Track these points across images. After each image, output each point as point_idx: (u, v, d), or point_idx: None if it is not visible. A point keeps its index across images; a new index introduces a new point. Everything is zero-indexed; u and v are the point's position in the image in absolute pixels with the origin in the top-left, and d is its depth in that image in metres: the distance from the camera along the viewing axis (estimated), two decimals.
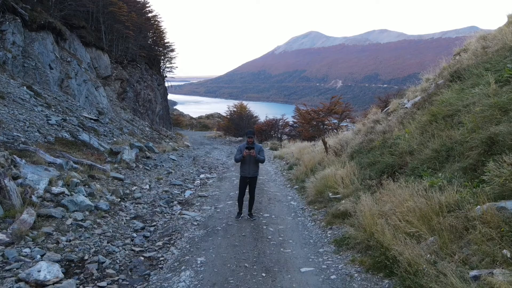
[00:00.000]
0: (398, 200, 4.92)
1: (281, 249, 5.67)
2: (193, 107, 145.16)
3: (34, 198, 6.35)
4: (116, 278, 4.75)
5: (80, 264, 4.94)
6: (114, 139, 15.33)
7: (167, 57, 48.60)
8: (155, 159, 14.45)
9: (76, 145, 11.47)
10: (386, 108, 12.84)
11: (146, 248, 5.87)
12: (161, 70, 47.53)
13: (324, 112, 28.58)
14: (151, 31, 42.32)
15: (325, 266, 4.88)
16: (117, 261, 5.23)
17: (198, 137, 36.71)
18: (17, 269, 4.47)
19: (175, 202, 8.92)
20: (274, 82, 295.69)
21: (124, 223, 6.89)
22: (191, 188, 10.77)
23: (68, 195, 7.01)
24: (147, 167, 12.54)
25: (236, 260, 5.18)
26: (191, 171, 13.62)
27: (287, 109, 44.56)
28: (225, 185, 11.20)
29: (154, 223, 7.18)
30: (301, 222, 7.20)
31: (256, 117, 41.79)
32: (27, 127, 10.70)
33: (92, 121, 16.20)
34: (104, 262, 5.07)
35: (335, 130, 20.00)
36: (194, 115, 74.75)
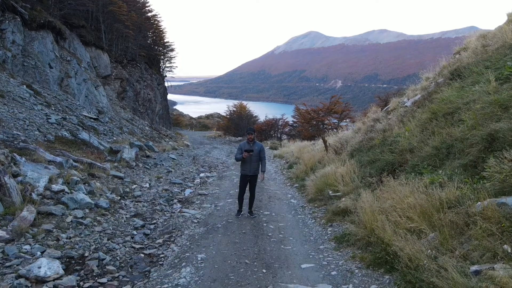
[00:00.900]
0: (399, 196, 4.93)
1: (282, 246, 5.67)
2: (192, 107, 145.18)
3: (34, 196, 6.35)
4: (117, 274, 4.75)
5: (81, 261, 4.94)
6: (114, 138, 15.33)
7: (167, 57, 48.62)
8: (155, 158, 14.44)
9: (76, 144, 11.46)
10: (386, 107, 12.85)
11: (146, 246, 5.87)
12: (161, 70, 47.55)
13: (324, 112, 28.56)
14: (150, 31, 42.33)
15: (326, 263, 4.88)
16: (118, 258, 5.23)
17: (197, 136, 36.71)
18: (17, 265, 4.47)
19: (175, 201, 8.92)
20: (274, 82, 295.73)
21: (124, 221, 6.88)
22: (191, 186, 10.77)
23: (68, 193, 7.00)
24: (147, 166, 12.53)
25: (236, 257, 5.18)
26: (191, 170, 13.61)
27: (287, 109, 44.56)
28: (225, 184, 11.20)
29: (154, 221, 7.18)
30: (301, 220, 7.21)
31: (255, 117, 41.82)
32: (27, 125, 10.69)
33: (92, 120, 16.19)
34: (104, 259, 5.07)
35: (334, 130, 20.01)
36: (194, 115, 74.77)
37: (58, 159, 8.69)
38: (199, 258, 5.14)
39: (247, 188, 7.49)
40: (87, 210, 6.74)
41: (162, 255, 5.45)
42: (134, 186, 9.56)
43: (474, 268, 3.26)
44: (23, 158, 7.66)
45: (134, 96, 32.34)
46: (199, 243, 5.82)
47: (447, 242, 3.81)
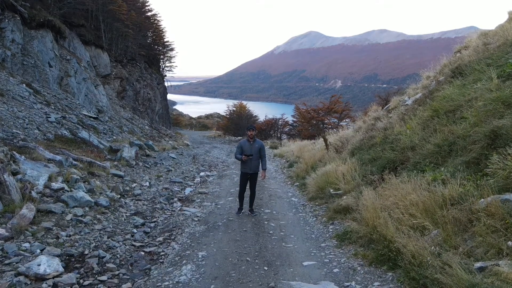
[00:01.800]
0: (401, 194, 4.89)
1: (283, 243, 5.63)
2: (192, 107, 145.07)
3: (33, 194, 6.31)
4: (117, 272, 4.71)
5: (80, 259, 4.90)
6: (114, 137, 15.28)
7: (167, 56, 48.54)
8: (155, 157, 14.41)
9: (75, 143, 11.42)
10: (387, 106, 12.82)
11: (147, 243, 5.83)
12: (161, 69, 47.48)
13: (324, 111, 28.54)
14: (150, 30, 42.26)
15: (328, 260, 4.85)
16: (118, 256, 5.19)
17: (197, 136, 36.65)
18: (16, 263, 4.44)
19: (175, 199, 8.88)
20: (274, 82, 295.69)
21: (124, 219, 6.85)
22: (191, 185, 10.73)
23: (68, 191, 6.97)
24: (147, 165, 12.49)
25: (237, 254, 5.14)
26: (191, 169, 13.58)
27: (287, 109, 44.55)
28: (225, 182, 11.16)
29: (155, 219, 7.14)
30: (303, 218, 7.17)
31: (255, 116, 41.76)
32: (27, 124, 10.65)
33: (92, 119, 16.15)
34: (104, 257, 5.03)
35: (335, 130, 19.97)
36: (194, 115, 74.71)
37: (58, 157, 8.65)
38: (200, 256, 5.10)
39: (248, 186, 7.45)
40: (87, 208, 6.70)
41: (162, 253, 5.41)
42: (134, 184, 9.53)
43: (478, 264, 3.23)
44: (23, 157, 7.62)
45: (134, 95, 32.28)
46: (199, 241, 5.78)
47: (450, 239, 3.77)
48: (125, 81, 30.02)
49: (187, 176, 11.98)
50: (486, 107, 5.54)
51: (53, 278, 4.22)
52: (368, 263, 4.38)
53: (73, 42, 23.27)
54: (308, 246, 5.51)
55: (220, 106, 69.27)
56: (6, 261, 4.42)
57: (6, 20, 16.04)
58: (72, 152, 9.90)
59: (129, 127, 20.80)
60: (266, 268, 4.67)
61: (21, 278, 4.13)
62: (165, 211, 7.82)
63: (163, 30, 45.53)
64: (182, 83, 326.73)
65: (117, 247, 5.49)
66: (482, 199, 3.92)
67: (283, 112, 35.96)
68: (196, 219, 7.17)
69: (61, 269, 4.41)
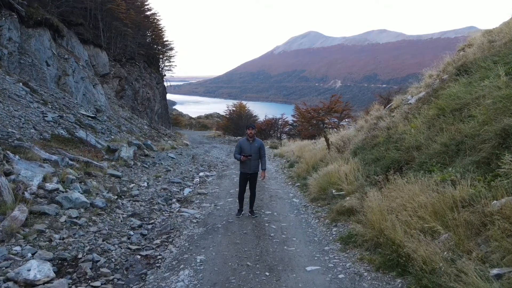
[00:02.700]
0: (408, 195, 4.68)
1: (285, 247, 5.42)
2: (192, 107, 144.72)
3: (26, 195, 6.10)
4: (111, 277, 4.50)
5: (73, 263, 4.70)
6: (112, 137, 15.07)
7: (166, 56, 48.23)
8: (153, 157, 14.19)
9: (72, 142, 11.21)
10: (389, 105, 12.62)
11: (143, 246, 5.62)
12: (160, 69, 47.18)
13: (324, 111, 28.34)
14: (150, 29, 41.97)
15: (332, 265, 4.63)
16: (113, 259, 4.99)
17: (197, 136, 36.40)
18: (6, 268, 4.23)
19: (174, 200, 8.67)
20: (273, 82, 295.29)
21: (121, 221, 6.63)
22: (190, 186, 10.53)
23: (62, 192, 6.76)
24: (145, 165, 12.28)
25: (237, 259, 4.93)
26: (190, 169, 13.36)
27: (286, 109, 44.33)
28: (225, 183, 10.95)
29: (152, 221, 6.94)
30: (305, 220, 6.96)
31: (255, 116, 41.52)
32: (23, 123, 10.44)
33: (90, 118, 15.93)
34: (98, 261, 4.83)
35: (335, 129, 19.77)
36: (193, 115, 74.43)
37: (54, 157, 8.45)
38: (198, 260, 4.89)
39: (248, 187, 7.25)
40: (82, 210, 6.49)
41: (159, 257, 5.21)
42: (132, 185, 9.32)
43: (495, 271, 3.02)
44: (17, 156, 7.41)
45: (133, 95, 32.04)
46: (198, 244, 5.57)
47: (463, 244, 3.57)
48: (124, 81, 29.79)
49: (186, 177, 11.77)
50: (496, 105, 5.34)
51: (44, 284, 4.01)
52: (375, 268, 4.17)
53: (71, 41, 23.04)
54: (311, 249, 5.30)
55: (220, 106, 69.03)
56: None
57: (3, 18, 15.82)
58: (69, 151, 9.69)
59: (128, 126, 20.58)
60: (267, 273, 4.46)
61: (10, 284, 3.93)
62: (163, 212, 7.61)
63: (163, 30, 45.26)
64: (181, 83, 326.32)
65: (112, 250, 5.28)
66: (496, 201, 3.71)
67: (283, 112, 35.73)
68: (194, 220, 6.97)
69: (53, 274, 4.20)
